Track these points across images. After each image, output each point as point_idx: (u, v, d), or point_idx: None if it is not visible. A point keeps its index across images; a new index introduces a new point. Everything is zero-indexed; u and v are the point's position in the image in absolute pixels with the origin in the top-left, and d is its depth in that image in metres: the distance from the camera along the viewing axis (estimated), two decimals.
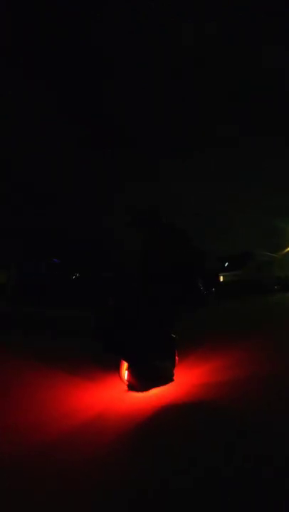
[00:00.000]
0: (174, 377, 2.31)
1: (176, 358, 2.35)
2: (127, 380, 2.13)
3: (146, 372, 2.09)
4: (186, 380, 2.47)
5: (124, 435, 1.78)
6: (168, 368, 2.16)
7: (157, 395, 2.25)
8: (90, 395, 2.30)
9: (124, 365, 2.19)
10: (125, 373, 2.13)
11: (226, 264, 13.15)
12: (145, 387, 2.12)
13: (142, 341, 2.05)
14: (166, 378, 2.15)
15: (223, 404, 2.14)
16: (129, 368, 2.12)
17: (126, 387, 2.22)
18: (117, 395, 2.24)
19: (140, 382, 2.06)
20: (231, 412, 2.08)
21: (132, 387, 2.09)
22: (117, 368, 2.37)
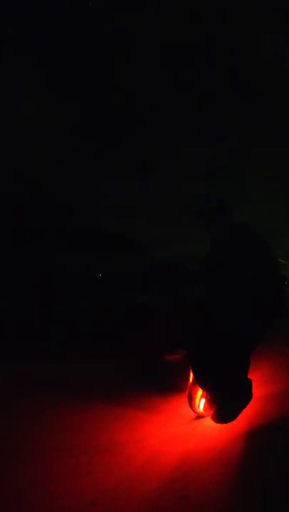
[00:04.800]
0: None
1: None
2: (207, 411, 1.65)
3: (236, 395, 1.64)
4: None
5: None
6: (250, 382, 1.75)
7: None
8: (145, 432, 1.73)
9: (199, 391, 1.74)
10: (201, 403, 1.68)
11: None
12: (236, 414, 1.66)
13: (233, 361, 1.64)
14: (250, 396, 1.72)
15: None
16: (208, 395, 1.66)
17: (194, 416, 1.77)
18: (185, 427, 1.77)
19: (229, 409, 1.61)
20: None
21: (218, 418, 1.61)
22: (169, 390, 1.90)
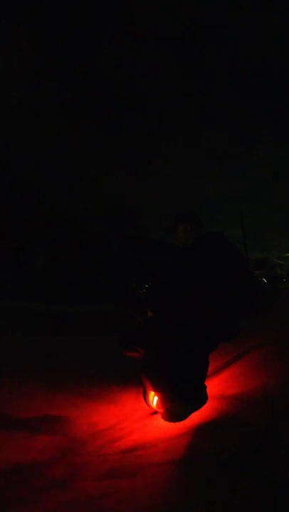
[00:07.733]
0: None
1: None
2: (159, 409, 1.69)
3: (184, 395, 1.67)
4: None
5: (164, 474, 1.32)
6: (204, 386, 1.78)
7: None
8: (110, 422, 1.80)
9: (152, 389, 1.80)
10: (154, 399, 1.74)
11: None
12: (185, 415, 1.69)
13: (183, 359, 1.67)
14: (203, 398, 1.76)
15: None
16: (160, 393, 1.70)
17: (150, 410, 1.83)
18: (142, 420, 1.84)
19: (178, 409, 1.65)
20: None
21: (167, 417, 1.65)
22: (136, 383, 1.98)
